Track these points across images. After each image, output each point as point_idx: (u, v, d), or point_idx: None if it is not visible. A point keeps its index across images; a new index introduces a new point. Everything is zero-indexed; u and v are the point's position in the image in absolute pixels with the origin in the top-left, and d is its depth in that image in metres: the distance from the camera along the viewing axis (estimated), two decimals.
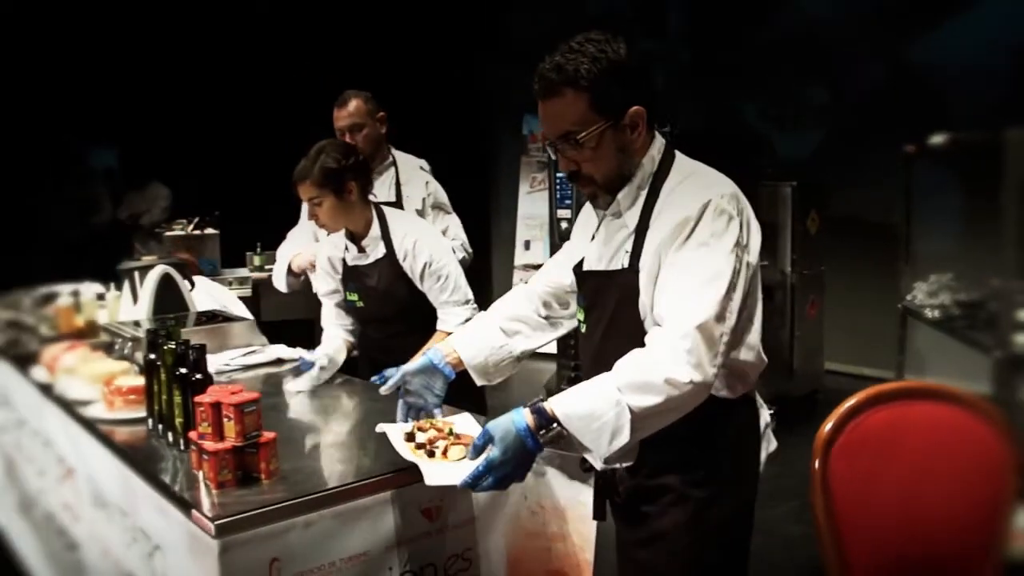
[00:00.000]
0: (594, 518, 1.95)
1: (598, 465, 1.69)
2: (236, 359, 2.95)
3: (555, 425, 1.65)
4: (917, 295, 3.69)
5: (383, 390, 2.11)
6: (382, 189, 3.49)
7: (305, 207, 3.57)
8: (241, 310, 3.67)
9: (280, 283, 3.55)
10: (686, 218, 1.69)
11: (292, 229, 3.68)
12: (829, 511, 1.94)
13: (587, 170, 1.77)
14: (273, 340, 3.28)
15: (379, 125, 3.49)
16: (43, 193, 7.63)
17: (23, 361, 3.29)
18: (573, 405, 1.66)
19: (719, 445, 1.86)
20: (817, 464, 1.94)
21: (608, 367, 1.70)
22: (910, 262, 4.09)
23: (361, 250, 2.94)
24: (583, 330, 1.95)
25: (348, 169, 2.84)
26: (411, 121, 4.44)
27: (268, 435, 1.94)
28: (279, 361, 3.03)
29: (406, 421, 2.11)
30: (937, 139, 3.80)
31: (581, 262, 1.94)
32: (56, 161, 7.71)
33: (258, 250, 5.99)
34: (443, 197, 3.59)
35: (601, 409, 1.62)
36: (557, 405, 1.66)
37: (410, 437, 1.96)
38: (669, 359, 1.62)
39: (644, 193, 1.80)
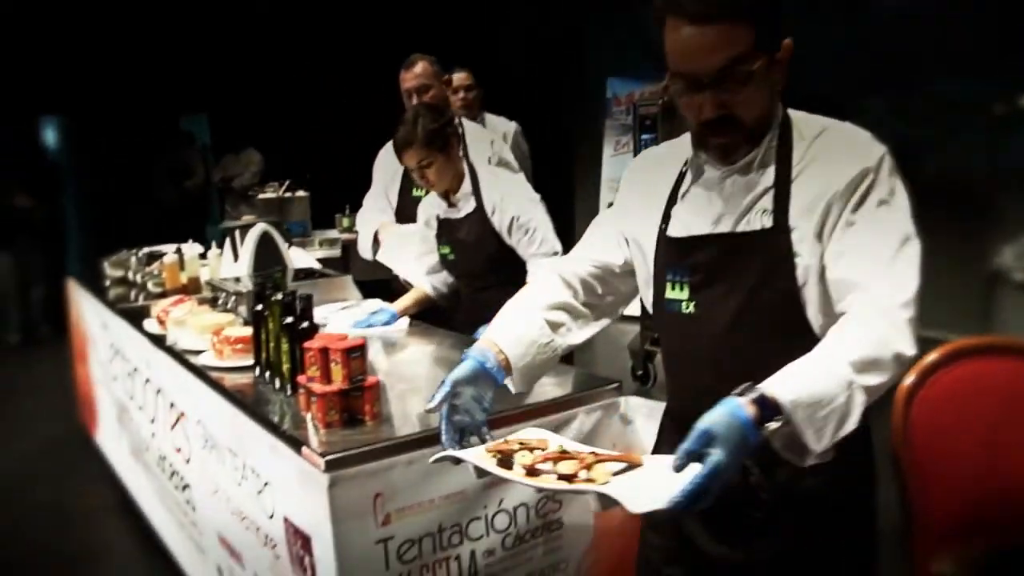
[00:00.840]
0: None
1: (807, 461, 1.35)
2: (333, 313, 3.09)
3: (780, 416, 1.30)
4: (1005, 258, 3.65)
5: (430, 408, 1.60)
6: None
7: (377, 172, 3.71)
8: None
9: (366, 252, 3.67)
10: (864, 170, 1.45)
11: (367, 196, 3.80)
12: (911, 463, 1.99)
13: (740, 113, 1.44)
14: (365, 297, 3.43)
15: (444, 87, 3.61)
16: (142, 159, 7.96)
17: (132, 315, 3.50)
18: (800, 390, 1.30)
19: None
20: (899, 416, 1.99)
21: (744, 356, 1.49)
22: (998, 225, 4.03)
23: (452, 204, 3.04)
24: (688, 311, 1.57)
25: (448, 126, 2.97)
26: (495, 86, 4.54)
27: (372, 379, 2.08)
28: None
29: (456, 446, 1.59)
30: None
31: (663, 229, 1.60)
32: (154, 129, 8.03)
33: (347, 212, 6.14)
34: (508, 156, 3.68)
35: (832, 392, 1.31)
36: (781, 391, 1.29)
37: (504, 463, 1.48)
38: (895, 332, 1.38)
39: (775, 143, 1.52)
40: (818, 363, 1.35)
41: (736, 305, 1.51)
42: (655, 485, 1.28)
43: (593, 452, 1.47)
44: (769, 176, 1.51)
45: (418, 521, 1.99)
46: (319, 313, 3.10)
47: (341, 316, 3.08)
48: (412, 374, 2.70)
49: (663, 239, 1.60)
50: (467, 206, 3.00)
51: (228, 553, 2.66)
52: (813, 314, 1.48)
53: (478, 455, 1.50)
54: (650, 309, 1.68)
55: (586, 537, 2.26)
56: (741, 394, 1.29)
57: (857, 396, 1.32)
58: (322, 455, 1.89)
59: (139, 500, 3.76)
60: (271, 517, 2.22)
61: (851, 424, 1.32)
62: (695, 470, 1.24)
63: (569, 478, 1.37)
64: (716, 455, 1.23)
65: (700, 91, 1.42)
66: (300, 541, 2.06)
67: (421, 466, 1.97)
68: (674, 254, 1.58)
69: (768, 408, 1.29)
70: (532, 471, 1.42)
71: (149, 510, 3.62)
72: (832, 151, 1.50)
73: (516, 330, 1.67)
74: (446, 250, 3.06)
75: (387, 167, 3.65)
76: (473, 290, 3.04)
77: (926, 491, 2.02)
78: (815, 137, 1.51)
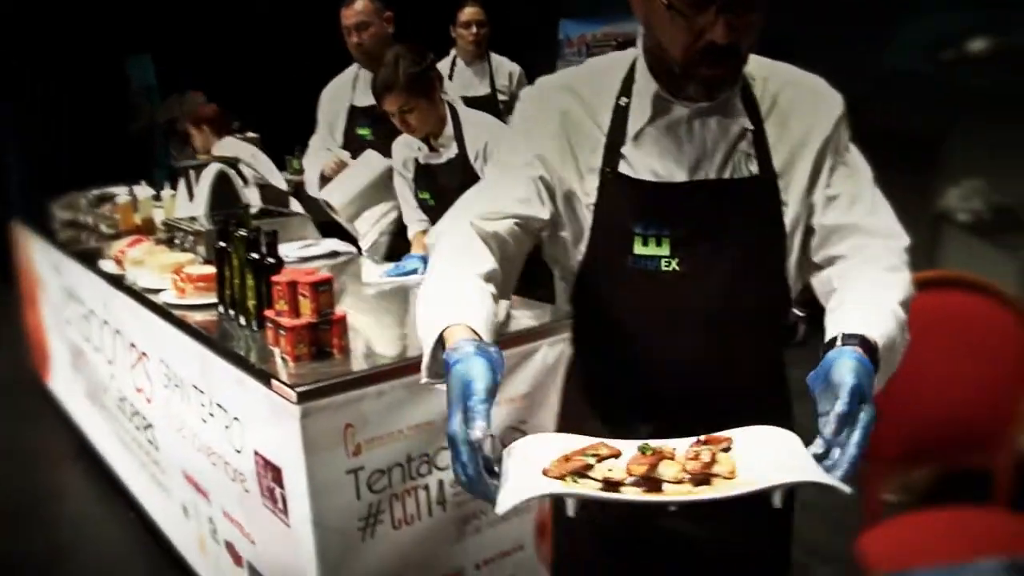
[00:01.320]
0: None
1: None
2: (294, 251, 3.09)
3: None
4: (950, 200, 3.76)
5: (477, 436, 1.04)
6: None
7: (321, 114, 3.66)
8: (270, 171, 3.96)
9: (313, 190, 3.62)
10: (841, 115, 1.41)
11: (312, 138, 3.74)
12: None
13: (743, 41, 1.27)
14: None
15: (386, 24, 3.54)
16: (86, 101, 7.76)
17: (86, 257, 3.46)
18: (884, 331, 1.19)
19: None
20: None
21: (742, 315, 1.39)
22: (943, 169, 4.15)
23: (433, 149, 2.95)
24: (671, 269, 1.37)
25: (431, 69, 2.88)
26: (446, 29, 4.50)
27: (340, 313, 2.10)
28: (334, 253, 3.17)
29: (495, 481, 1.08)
30: (977, 45, 3.82)
31: (610, 172, 1.38)
32: (98, 72, 7.83)
33: (296, 153, 6.07)
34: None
35: (896, 334, 1.21)
36: (874, 334, 1.17)
37: (612, 486, 1.09)
38: (907, 275, 1.33)
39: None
40: (880, 304, 1.25)
41: (732, 261, 1.37)
42: (789, 461, 1.10)
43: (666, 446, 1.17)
44: (742, 118, 1.38)
45: (387, 451, 2.03)
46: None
47: (371, 267, 3.04)
48: (381, 309, 2.72)
49: (614, 184, 1.37)
50: (449, 151, 2.93)
51: (194, 490, 2.69)
52: (792, 265, 1.42)
53: (571, 487, 1.08)
54: (574, 269, 1.42)
55: None
56: (844, 342, 1.16)
57: (905, 337, 1.25)
58: (293, 387, 1.92)
59: (97, 444, 3.75)
60: (240, 452, 2.24)
61: (898, 364, 1.25)
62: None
63: (707, 479, 1.10)
64: (868, 412, 1.08)
65: (707, 10, 1.22)
66: (271, 473, 2.09)
67: (390, 397, 2.01)
68: (644, 203, 1.37)
69: (869, 350, 1.16)
70: (653, 485, 1.09)
71: (108, 453, 3.62)
72: (804, 97, 1.42)
73: (483, 310, 1.20)
74: (426, 195, 3.02)
75: (330, 107, 3.62)
76: None
77: (877, 420, 2.10)
78: (766, 79, 1.42)
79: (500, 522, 2.26)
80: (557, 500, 1.33)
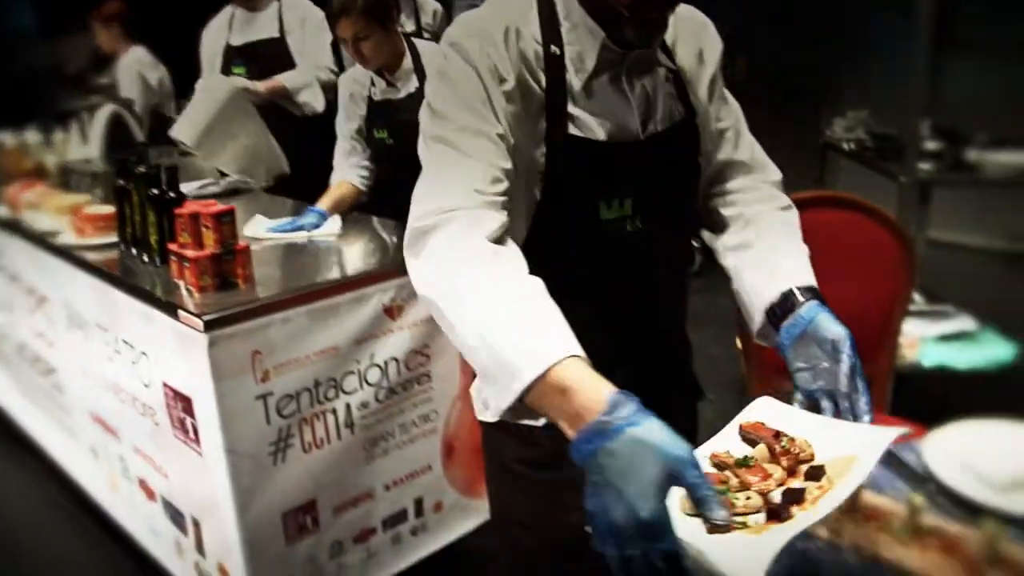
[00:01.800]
0: None
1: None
2: (194, 191, 3.07)
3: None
4: (836, 130, 3.93)
5: (724, 517, 0.91)
6: (268, 23, 3.54)
7: (202, 57, 3.59)
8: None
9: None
10: (722, 48, 1.40)
11: (196, 83, 3.52)
12: None
13: None
14: None
15: None
16: None
17: None
18: (811, 272, 1.34)
19: None
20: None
21: (679, 266, 1.43)
22: (831, 102, 4.32)
23: (391, 84, 2.82)
24: (635, 228, 1.31)
25: None
26: None
27: (243, 243, 2.12)
28: (235, 192, 3.16)
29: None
30: None
31: (558, 134, 1.24)
32: None
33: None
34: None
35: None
36: (811, 278, 1.32)
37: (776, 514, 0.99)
38: (794, 210, 1.45)
39: None
40: (800, 249, 1.38)
41: (675, 211, 1.36)
42: (832, 428, 1.14)
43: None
44: (666, 60, 1.32)
45: (295, 377, 2.08)
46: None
47: (257, 222, 2.71)
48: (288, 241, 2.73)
49: (568, 148, 1.25)
50: (408, 86, 2.80)
51: (102, 430, 2.69)
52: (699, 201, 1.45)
53: (784, 528, 0.95)
54: (523, 233, 1.28)
55: (453, 388, 2.40)
56: (804, 296, 1.27)
57: None
58: (200, 316, 1.94)
59: None
60: (148, 386, 2.26)
61: None
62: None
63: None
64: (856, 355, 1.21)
65: None
66: (181, 404, 2.12)
67: (295, 324, 2.06)
68: (605, 167, 1.27)
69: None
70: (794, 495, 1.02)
71: (8, 402, 3.56)
72: (697, 31, 1.39)
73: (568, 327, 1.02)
74: (383, 134, 2.85)
75: (208, 49, 3.59)
76: (414, 176, 2.94)
77: None
78: None
79: (408, 444, 2.35)
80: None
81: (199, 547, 2.29)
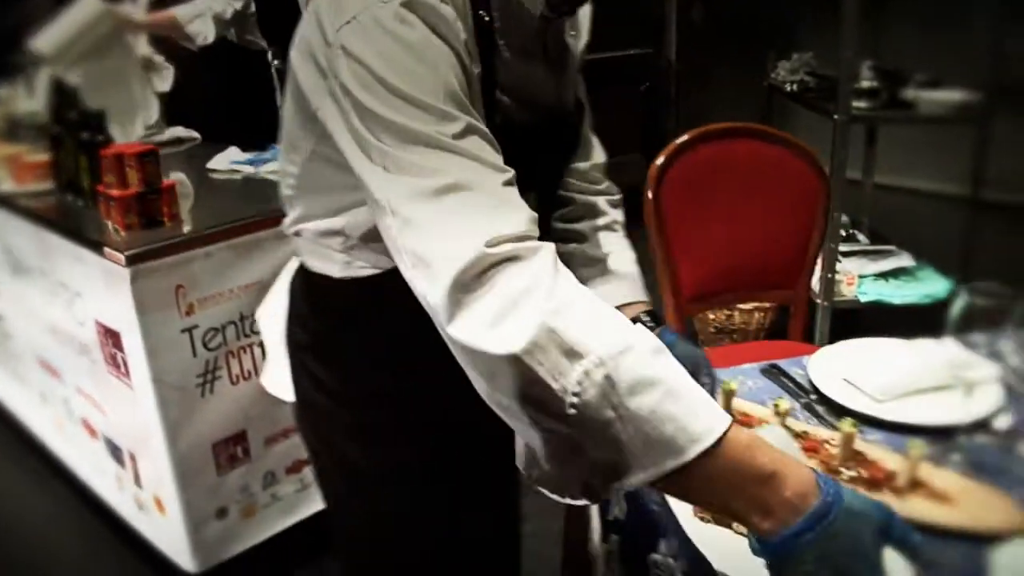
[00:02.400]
0: None
1: None
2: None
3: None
4: (780, 72, 3.97)
5: None
6: None
7: None
8: None
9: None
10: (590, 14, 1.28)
11: None
12: (661, 232, 2.25)
13: None
14: None
15: None
16: None
17: None
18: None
19: None
20: (650, 194, 2.24)
21: None
22: (780, 46, 4.34)
23: None
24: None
25: None
26: None
27: (168, 182, 2.17)
28: (179, 141, 3.19)
29: None
30: None
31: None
32: None
33: None
34: None
35: None
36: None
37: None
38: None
39: None
40: (632, 261, 1.35)
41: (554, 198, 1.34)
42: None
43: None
44: (568, 26, 1.20)
45: (220, 310, 2.14)
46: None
47: (226, 155, 2.80)
48: (208, 181, 2.77)
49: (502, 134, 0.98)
50: None
51: (48, 374, 2.75)
52: None
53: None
54: None
55: None
56: (657, 321, 1.28)
57: None
58: (122, 252, 1.99)
59: None
60: (83, 324, 2.32)
61: None
62: None
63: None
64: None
65: None
66: (111, 340, 2.18)
67: (218, 258, 2.12)
68: (527, 156, 1.05)
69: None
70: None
71: None
72: None
73: None
74: None
75: None
76: None
77: (675, 257, 2.29)
78: None
79: None
80: None
81: (136, 480, 2.36)
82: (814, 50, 4.08)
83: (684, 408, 0.80)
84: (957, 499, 1.17)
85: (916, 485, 1.21)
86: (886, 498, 1.17)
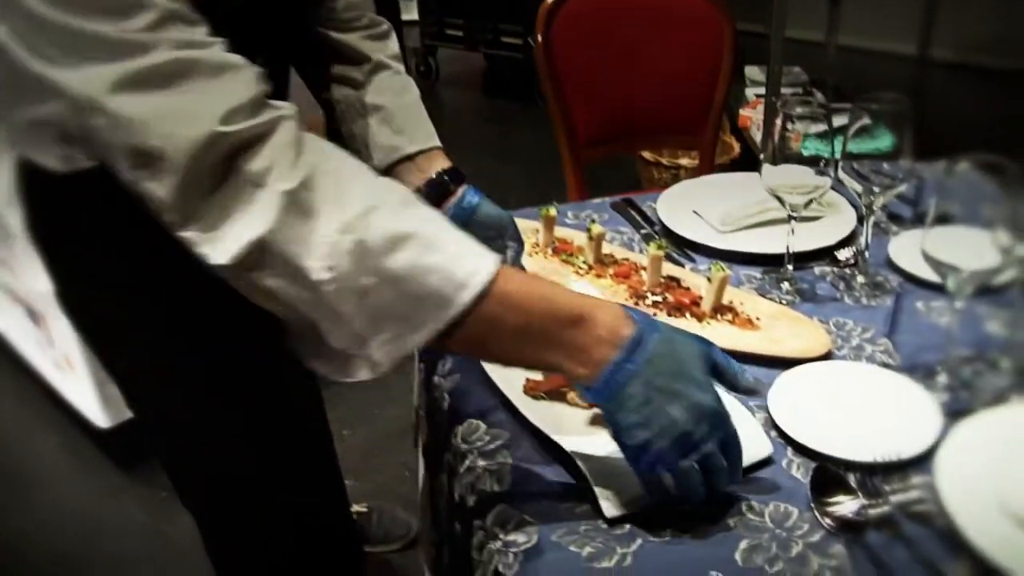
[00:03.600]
0: None
1: None
2: None
3: None
4: None
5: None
6: None
7: None
8: None
9: None
10: None
11: None
12: (554, 75, 2.20)
13: None
14: None
15: None
16: None
17: None
18: None
19: None
20: (540, 36, 2.17)
21: None
22: None
23: None
24: None
25: None
26: None
27: None
28: None
29: None
30: None
31: None
32: None
33: None
34: None
35: None
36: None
37: None
38: None
39: None
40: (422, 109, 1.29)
41: None
42: None
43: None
44: None
45: None
46: None
47: None
48: None
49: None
50: None
51: None
52: None
53: None
54: None
55: None
56: (455, 180, 1.23)
57: None
58: None
59: None
60: None
61: None
62: None
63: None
64: None
65: None
66: None
67: None
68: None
69: None
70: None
71: None
72: None
73: None
74: None
75: None
76: None
77: (569, 101, 2.23)
78: None
79: None
80: None
81: (50, 341, 2.40)
82: None
83: (447, 257, 0.76)
84: (763, 326, 1.18)
85: (724, 311, 1.21)
86: (688, 324, 1.19)
